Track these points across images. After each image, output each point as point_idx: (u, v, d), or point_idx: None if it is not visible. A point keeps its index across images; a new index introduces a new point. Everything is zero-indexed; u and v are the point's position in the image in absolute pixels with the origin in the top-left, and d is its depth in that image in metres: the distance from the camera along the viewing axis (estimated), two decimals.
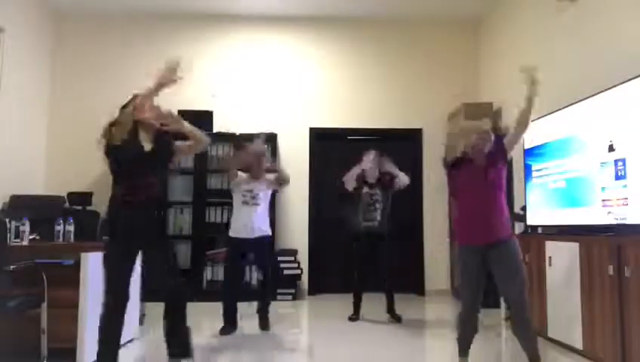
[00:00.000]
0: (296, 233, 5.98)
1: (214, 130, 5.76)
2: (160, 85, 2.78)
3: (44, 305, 2.97)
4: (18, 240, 3.33)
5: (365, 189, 4.56)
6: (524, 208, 4.39)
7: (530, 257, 3.92)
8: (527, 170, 4.35)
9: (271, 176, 4.29)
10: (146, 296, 3.95)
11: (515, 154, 3.45)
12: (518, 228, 4.51)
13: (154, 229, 2.86)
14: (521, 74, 2.81)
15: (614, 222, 3.27)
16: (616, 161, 3.27)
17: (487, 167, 2.82)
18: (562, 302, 3.60)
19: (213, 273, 5.65)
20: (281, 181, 4.31)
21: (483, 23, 6.26)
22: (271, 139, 5.78)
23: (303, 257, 5.94)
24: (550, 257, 3.76)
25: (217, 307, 4.14)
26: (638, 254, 2.88)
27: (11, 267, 2.99)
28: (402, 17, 6.31)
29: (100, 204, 5.39)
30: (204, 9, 6.08)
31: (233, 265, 4.20)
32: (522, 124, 2.86)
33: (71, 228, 3.56)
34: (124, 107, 2.84)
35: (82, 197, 5.26)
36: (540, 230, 4.20)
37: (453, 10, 6.09)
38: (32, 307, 2.96)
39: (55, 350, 2.98)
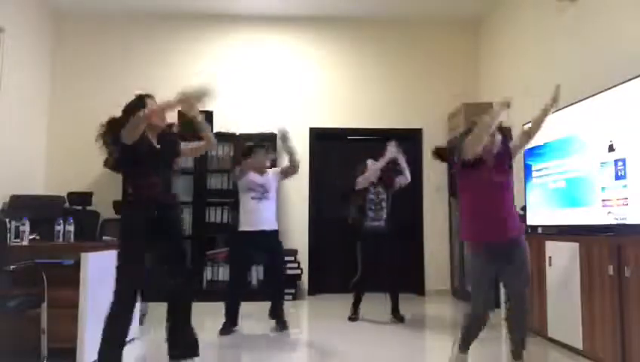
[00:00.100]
0: (296, 233, 5.98)
1: (214, 130, 5.75)
2: (181, 104, 2.77)
3: (44, 305, 2.97)
4: (18, 240, 3.33)
5: (371, 188, 4.56)
6: (524, 208, 4.38)
7: (530, 257, 3.91)
8: (527, 170, 4.35)
9: (277, 169, 4.33)
10: (147, 295, 3.95)
11: None
12: None
13: (161, 228, 2.84)
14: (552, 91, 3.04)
15: (614, 222, 3.27)
16: (616, 161, 3.27)
17: (497, 167, 2.84)
18: (562, 302, 3.60)
19: (213, 273, 5.65)
20: (291, 170, 4.29)
21: (483, 23, 6.26)
22: (271, 139, 5.79)
23: (303, 257, 5.94)
24: (550, 257, 3.76)
25: (217, 307, 4.14)
26: (638, 254, 2.88)
27: (11, 267, 2.99)
28: (402, 17, 6.31)
29: (100, 204, 5.45)
30: (204, 9, 6.08)
31: (242, 260, 4.20)
32: (534, 133, 3.04)
33: (71, 228, 3.56)
34: (128, 108, 2.80)
35: (82, 197, 5.27)
36: (539, 230, 4.20)
37: (453, 10, 6.09)
38: (32, 307, 2.96)
39: (55, 350, 2.98)
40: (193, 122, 2.99)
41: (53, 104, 6.05)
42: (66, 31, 6.14)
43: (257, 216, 4.10)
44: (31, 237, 3.46)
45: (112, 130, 2.75)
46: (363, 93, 6.32)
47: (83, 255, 3.09)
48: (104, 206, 5.40)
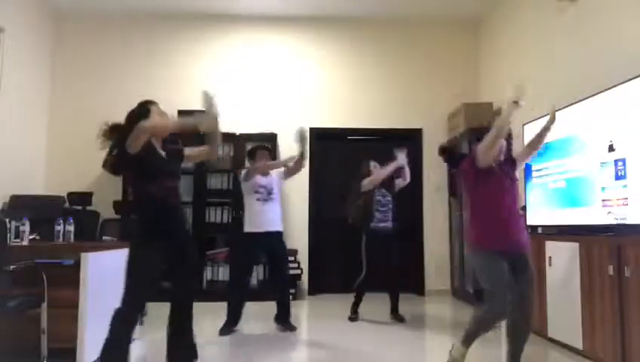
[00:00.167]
0: (296, 233, 5.98)
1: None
2: (186, 125, 2.79)
3: (44, 305, 2.97)
4: (18, 240, 3.33)
5: (377, 191, 4.57)
6: (524, 208, 4.38)
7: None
8: (527, 170, 4.35)
9: (280, 169, 4.34)
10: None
11: None
12: None
13: (171, 229, 2.80)
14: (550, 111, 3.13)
15: (614, 222, 3.27)
16: (616, 161, 3.27)
17: (506, 175, 2.87)
18: (562, 302, 3.60)
19: (213, 273, 5.65)
20: (295, 170, 4.31)
21: (483, 23, 6.26)
22: (271, 139, 5.80)
23: (303, 257, 5.94)
24: (550, 257, 3.76)
25: (217, 307, 4.14)
26: (638, 254, 2.88)
27: (11, 267, 2.99)
28: (402, 17, 6.31)
29: (100, 204, 5.45)
30: (204, 9, 6.08)
31: (246, 261, 4.22)
32: (534, 150, 3.11)
33: (71, 228, 3.56)
34: (131, 116, 2.74)
35: (82, 197, 5.28)
36: (539, 230, 4.20)
37: (453, 10, 6.09)
38: (32, 307, 2.96)
39: (55, 350, 2.98)
40: (210, 134, 2.94)
41: (53, 104, 6.05)
42: (66, 31, 6.14)
43: (262, 217, 4.12)
44: (31, 237, 3.46)
45: (116, 137, 2.71)
46: (363, 93, 6.32)
47: (83, 255, 3.09)
48: (104, 206, 5.40)
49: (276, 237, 4.19)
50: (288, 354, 3.64)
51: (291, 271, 5.64)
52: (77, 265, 3.08)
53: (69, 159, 5.87)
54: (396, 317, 4.53)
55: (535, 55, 4.89)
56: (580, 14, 4.15)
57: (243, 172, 4.23)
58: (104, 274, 3.23)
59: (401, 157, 4.54)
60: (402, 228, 4.78)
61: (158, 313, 2.76)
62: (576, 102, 3.73)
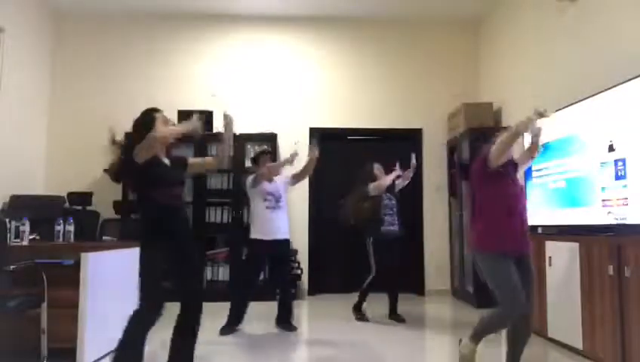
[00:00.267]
0: (296, 233, 5.96)
1: (214, 130, 5.75)
2: (185, 132, 2.79)
3: (44, 305, 2.97)
4: (18, 240, 3.33)
5: (384, 195, 4.59)
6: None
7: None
8: (527, 170, 4.34)
9: (288, 175, 4.36)
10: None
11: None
12: None
13: (178, 230, 2.81)
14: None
15: (614, 222, 3.27)
16: (616, 161, 3.27)
17: (510, 175, 2.88)
18: (562, 302, 3.60)
19: (213, 273, 5.65)
20: (302, 176, 4.39)
21: (483, 23, 6.26)
22: (271, 139, 5.80)
23: (303, 257, 5.94)
24: (550, 257, 3.76)
25: (217, 307, 4.13)
26: (638, 254, 2.88)
27: (11, 267, 2.99)
28: (402, 17, 6.31)
29: (100, 204, 5.45)
30: (204, 9, 6.08)
31: (256, 266, 4.26)
32: (534, 156, 3.12)
33: (71, 228, 3.56)
34: (138, 125, 2.74)
35: (82, 197, 5.27)
36: (539, 230, 4.20)
37: (453, 10, 6.09)
38: (32, 307, 2.96)
39: (55, 350, 2.98)
40: (221, 141, 2.97)
41: (53, 104, 6.05)
42: (66, 31, 6.14)
43: (271, 225, 4.13)
44: (31, 237, 3.46)
45: (124, 145, 2.72)
46: (363, 93, 6.32)
47: (83, 255, 3.09)
48: (104, 206, 5.40)
49: (284, 245, 4.24)
50: (288, 354, 3.64)
51: (291, 271, 5.65)
52: (77, 265, 3.08)
53: (69, 159, 5.86)
54: (395, 318, 4.53)
55: (535, 55, 4.89)
56: (580, 14, 4.15)
57: (250, 178, 4.22)
58: (104, 274, 3.23)
59: (413, 163, 4.70)
60: (408, 231, 4.83)
61: (169, 313, 2.74)
62: (576, 102, 3.73)
